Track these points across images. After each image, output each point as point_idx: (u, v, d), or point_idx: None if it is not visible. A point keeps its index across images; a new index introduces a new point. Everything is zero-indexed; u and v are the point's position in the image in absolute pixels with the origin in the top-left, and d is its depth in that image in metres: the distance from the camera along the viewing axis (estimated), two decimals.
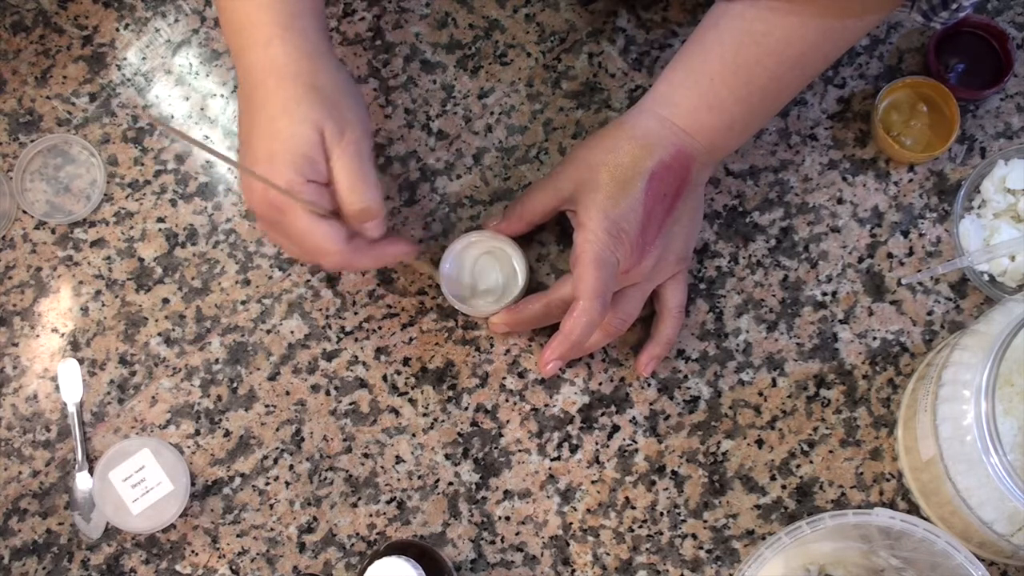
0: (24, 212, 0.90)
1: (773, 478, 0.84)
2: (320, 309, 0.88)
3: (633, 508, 0.84)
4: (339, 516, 0.85)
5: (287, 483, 0.85)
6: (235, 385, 0.87)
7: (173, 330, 0.88)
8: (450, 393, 0.86)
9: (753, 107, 0.79)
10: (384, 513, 0.85)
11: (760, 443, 0.85)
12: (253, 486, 0.85)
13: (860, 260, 0.87)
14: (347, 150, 0.72)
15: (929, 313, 0.86)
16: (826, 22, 0.75)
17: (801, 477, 0.84)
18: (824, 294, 0.87)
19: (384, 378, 0.86)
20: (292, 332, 0.87)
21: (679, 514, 0.84)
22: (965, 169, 0.88)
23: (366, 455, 0.85)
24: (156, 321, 0.88)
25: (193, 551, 0.84)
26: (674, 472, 0.84)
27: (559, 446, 0.85)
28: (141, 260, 0.89)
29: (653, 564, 0.83)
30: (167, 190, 0.90)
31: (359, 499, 0.85)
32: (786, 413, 0.85)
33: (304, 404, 0.86)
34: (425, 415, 0.86)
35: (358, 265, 0.76)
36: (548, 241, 0.88)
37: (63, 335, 0.88)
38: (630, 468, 0.85)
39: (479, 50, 0.92)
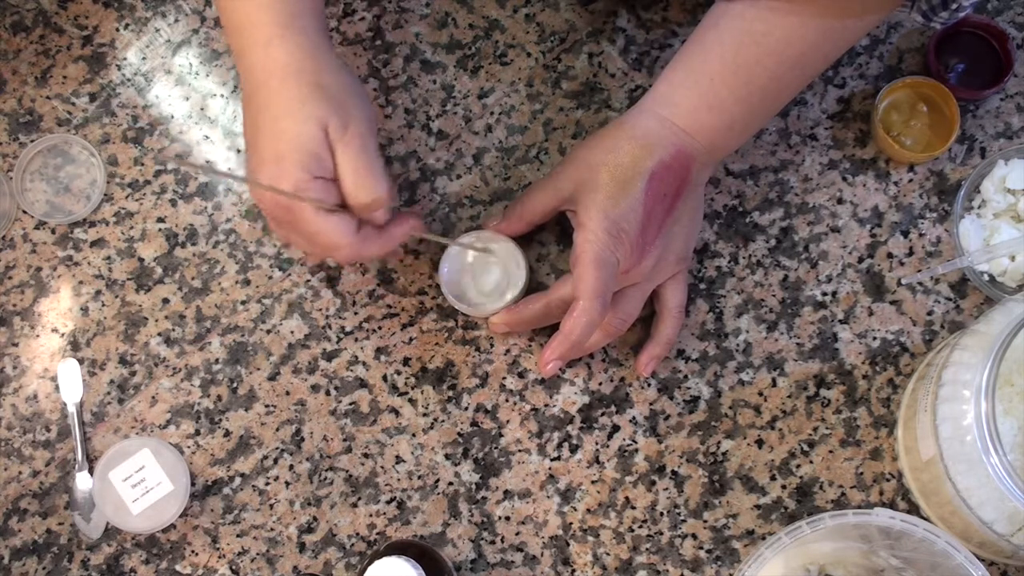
0: (24, 212, 0.90)
1: (773, 478, 0.84)
2: (320, 309, 0.88)
3: (633, 508, 0.84)
4: (339, 516, 0.85)
5: (287, 483, 0.85)
6: (235, 385, 0.87)
7: (173, 330, 0.88)
8: (450, 393, 0.86)
9: (753, 107, 0.79)
10: (384, 513, 0.85)
11: (760, 443, 0.85)
12: (253, 486, 0.85)
13: (860, 260, 0.87)
14: (352, 144, 0.72)
15: (929, 313, 0.86)
16: (826, 22, 0.75)
17: (801, 477, 0.84)
18: (824, 294, 0.87)
19: (384, 378, 0.87)
20: (292, 332, 0.87)
21: (679, 514, 0.84)
22: (965, 169, 0.88)
23: (366, 455, 0.85)
24: (156, 321, 0.88)
25: (193, 551, 0.84)
26: (674, 472, 0.84)
27: (559, 446, 0.85)
28: (141, 260, 0.89)
29: (653, 564, 0.83)
30: (167, 190, 0.90)
31: (359, 499, 0.85)
32: (786, 413, 0.85)
33: (304, 404, 0.86)
34: (425, 415, 0.86)
35: (371, 253, 0.76)
36: (548, 241, 0.88)
37: (63, 335, 0.88)
38: (630, 468, 0.85)
39: (479, 50, 0.92)
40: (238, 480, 0.85)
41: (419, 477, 0.85)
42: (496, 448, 0.85)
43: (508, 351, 0.87)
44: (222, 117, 0.92)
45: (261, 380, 0.87)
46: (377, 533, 0.84)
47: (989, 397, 0.69)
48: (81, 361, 0.87)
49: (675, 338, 0.84)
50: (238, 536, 0.85)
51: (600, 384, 0.86)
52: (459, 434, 0.85)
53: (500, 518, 0.84)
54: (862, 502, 0.83)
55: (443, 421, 0.86)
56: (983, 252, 0.84)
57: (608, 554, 0.83)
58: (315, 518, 0.85)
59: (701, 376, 0.86)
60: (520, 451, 0.85)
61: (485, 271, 0.85)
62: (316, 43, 0.75)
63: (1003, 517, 0.73)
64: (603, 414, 0.85)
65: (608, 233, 0.76)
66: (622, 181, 0.77)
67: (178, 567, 0.84)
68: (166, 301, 0.88)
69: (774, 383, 0.85)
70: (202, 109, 0.92)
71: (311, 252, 0.78)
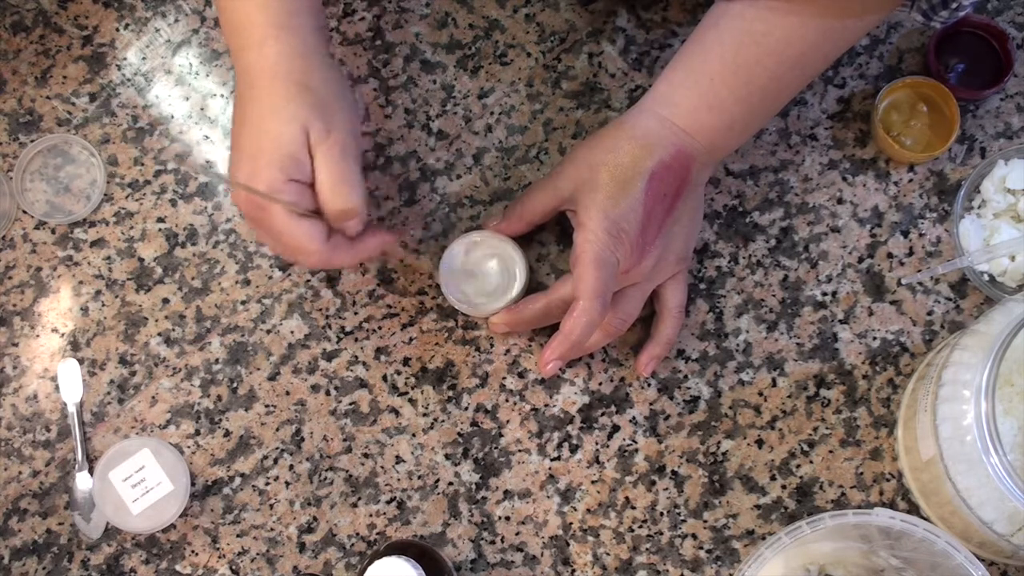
0: (24, 212, 0.90)
1: (773, 478, 0.84)
2: (320, 309, 0.88)
3: (633, 508, 0.84)
4: (339, 516, 0.85)
5: (287, 483, 0.85)
6: (235, 385, 0.87)
7: (173, 330, 0.88)
8: (450, 393, 0.86)
9: (753, 107, 0.79)
10: (384, 513, 0.85)
11: (760, 443, 0.85)
12: (253, 486, 0.85)
13: (860, 260, 0.87)
14: (332, 150, 0.72)
15: (929, 313, 0.86)
16: (826, 22, 0.75)
17: (801, 477, 0.84)
18: (824, 294, 0.87)
19: (384, 378, 0.87)
20: (292, 332, 0.87)
21: (679, 514, 0.84)
22: (965, 169, 0.88)
23: (366, 455, 0.85)
24: (156, 321, 0.88)
25: (193, 551, 0.84)
26: (674, 472, 0.84)
27: (559, 446, 0.85)
28: (141, 260, 0.89)
29: (653, 564, 0.83)
30: (167, 190, 0.90)
31: (359, 499, 0.85)
32: (786, 413, 0.85)
33: (304, 404, 0.86)
34: (425, 415, 0.86)
35: (338, 262, 0.76)
36: (548, 241, 0.88)
37: (63, 335, 0.88)
38: (630, 468, 0.85)
39: (479, 50, 0.92)
40: (238, 480, 0.85)
41: (419, 477, 0.85)
42: (496, 448, 0.85)
43: (508, 351, 0.87)
44: (222, 117, 0.92)
45: (261, 380, 0.87)
46: (377, 533, 0.84)
47: (989, 397, 0.69)
48: (81, 361, 0.87)
49: (675, 338, 0.84)
50: (238, 536, 0.85)
51: (600, 384, 0.86)
52: (459, 434, 0.85)
53: (500, 518, 0.84)
54: (862, 502, 0.83)
55: (443, 421, 0.86)
56: (983, 252, 0.84)
57: (608, 554, 0.83)
58: (315, 518, 0.85)
59: (701, 376, 0.86)
60: (520, 451, 0.85)
61: (485, 271, 0.85)
62: (310, 44, 0.75)
63: (1003, 517, 0.73)
64: (603, 414, 0.85)
65: (608, 233, 0.76)
66: (622, 181, 0.77)
67: (178, 567, 0.84)
68: (166, 301, 0.88)
69: (774, 383, 0.85)
70: (202, 109, 0.92)
71: (281, 253, 0.78)
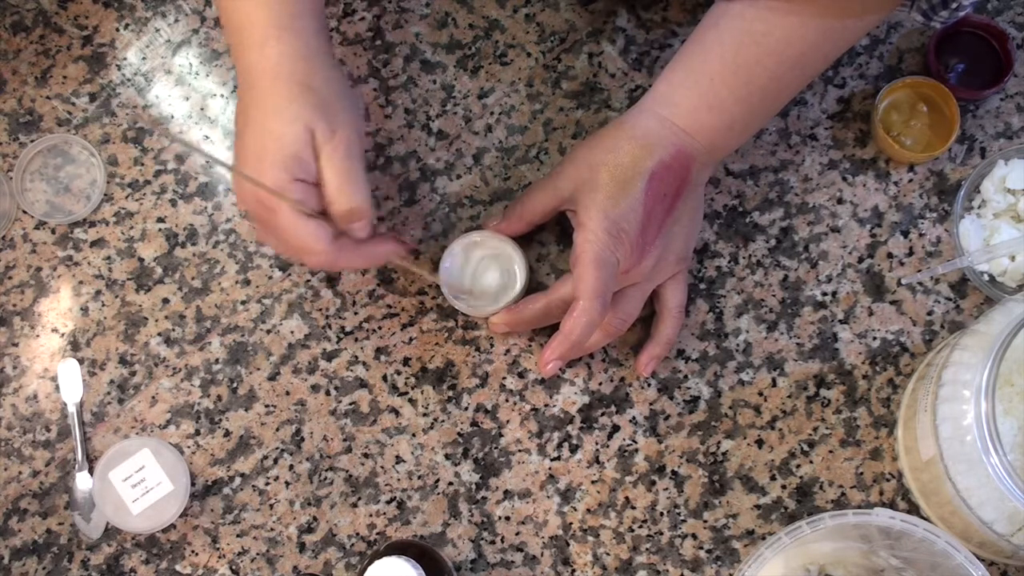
0: (24, 212, 0.90)
1: (773, 478, 0.84)
2: (320, 309, 0.88)
3: (633, 508, 0.84)
4: (339, 516, 0.85)
5: (287, 483, 0.85)
6: (235, 385, 0.87)
7: (173, 330, 0.88)
8: (450, 393, 0.86)
9: (753, 107, 0.79)
10: (384, 513, 0.85)
11: (760, 443, 0.85)
12: (253, 486, 0.85)
13: (860, 260, 0.87)
14: (337, 150, 0.72)
15: (929, 313, 0.86)
16: (826, 22, 0.75)
17: (801, 477, 0.84)
18: (824, 294, 0.87)
19: (384, 378, 0.87)
20: (292, 332, 0.87)
21: (679, 514, 0.84)
22: (965, 169, 0.88)
23: (366, 455, 0.85)
24: (156, 321, 0.88)
25: (193, 551, 0.84)
26: (674, 472, 0.84)
27: (559, 446, 0.85)
28: (141, 260, 0.89)
29: (653, 564, 0.83)
30: (167, 190, 0.90)
31: (359, 499, 0.85)
32: (786, 413, 0.85)
33: (304, 404, 0.86)
34: (425, 415, 0.86)
35: (343, 264, 0.76)
36: (548, 241, 0.88)
37: (63, 335, 0.88)
38: (630, 468, 0.85)
39: (479, 50, 0.92)
40: (238, 480, 0.85)
41: (419, 477, 0.85)
42: (496, 448, 0.85)
43: (508, 351, 0.87)
44: (222, 117, 0.92)
45: (261, 380, 0.87)
46: (377, 533, 0.84)
47: (989, 397, 0.69)
48: (81, 361, 0.87)
49: (675, 338, 0.84)
50: (238, 536, 0.85)
51: (600, 384, 0.86)
52: (459, 434, 0.85)
53: (500, 518, 0.84)
54: (862, 502, 0.83)
55: (443, 421, 0.86)
56: (983, 252, 0.84)
57: (608, 554, 0.83)
58: (315, 518, 0.85)
59: (701, 376, 0.86)
60: (520, 451, 0.85)
61: (485, 271, 0.85)
62: (312, 45, 0.75)
63: (1003, 517, 0.73)
64: (603, 414, 0.85)
65: (608, 233, 0.76)
66: (622, 181, 0.77)
67: (178, 567, 0.84)
68: (166, 301, 0.88)
69: (774, 383, 0.85)
70: (202, 109, 0.92)
71: (286, 254, 0.78)
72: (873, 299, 0.86)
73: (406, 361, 0.87)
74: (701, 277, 0.87)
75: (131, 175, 0.91)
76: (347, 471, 0.85)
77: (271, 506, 0.85)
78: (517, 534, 0.84)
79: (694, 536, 0.83)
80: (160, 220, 0.90)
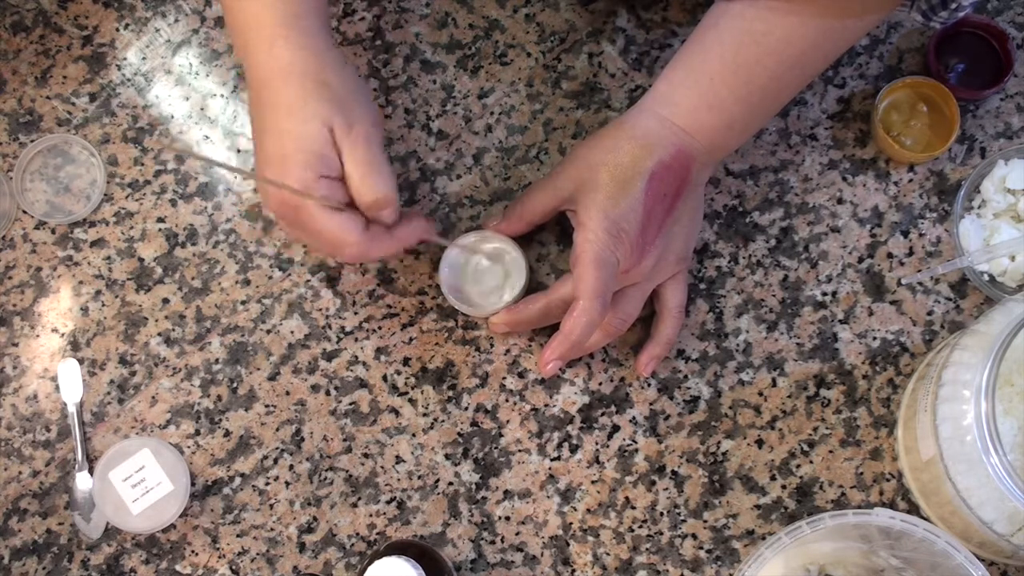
0: (24, 212, 0.90)
1: (773, 478, 0.84)
2: (320, 309, 0.88)
3: (633, 508, 0.84)
4: (339, 516, 0.85)
5: (287, 483, 0.85)
6: (235, 385, 0.87)
7: (173, 330, 0.88)
8: (450, 393, 0.86)
9: (753, 107, 0.79)
10: (384, 513, 0.85)
11: (760, 443, 0.85)
12: (253, 486, 0.85)
13: (860, 260, 0.87)
14: (357, 143, 0.73)
15: (929, 313, 0.86)
16: (826, 22, 0.75)
17: (801, 477, 0.84)
18: (824, 294, 0.87)
19: (384, 378, 0.87)
20: (292, 332, 0.87)
21: (679, 514, 0.84)
22: (965, 169, 0.88)
23: (366, 455, 0.85)
24: (156, 321, 0.88)
25: (193, 551, 0.84)
26: (674, 472, 0.84)
27: (559, 446, 0.85)
28: (141, 260, 0.89)
29: (653, 564, 0.83)
30: (167, 190, 0.90)
31: (359, 499, 0.85)
32: (786, 413, 0.85)
33: (304, 404, 0.86)
34: (425, 415, 0.86)
35: (379, 252, 0.76)
36: (548, 241, 0.88)
37: (63, 335, 0.88)
38: (630, 468, 0.85)
39: (479, 50, 0.92)
40: (238, 480, 0.85)
41: (419, 477, 0.85)
42: (496, 448, 0.85)
43: (508, 351, 0.87)
44: (222, 117, 0.92)
45: (261, 380, 0.87)
46: (377, 533, 0.84)
47: (989, 397, 0.69)
48: (81, 361, 0.87)
49: (675, 338, 0.84)
50: (238, 536, 0.85)
51: (600, 384, 0.86)
52: (459, 434, 0.85)
53: (500, 518, 0.84)
54: (862, 502, 0.83)
55: (443, 421, 0.86)
56: (983, 252, 0.84)
57: (608, 554, 0.83)
58: (315, 518, 0.85)
59: (701, 376, 0.86)
60: (520, 451, 0.85)
61: (485, 271, 0.85)
62: (320, 43, 0.75)
63: (1003, 517, 0.73)
64: (603, 414, 0.85)
65: (608, 233, 0.76)
66: (622, 181, 0.77)
67: (178, 567, 0.84)
68: (166, 301, 0.88)
69: (774, 383, 0.85)
70: (202, 109, 0.92)
71: (320, 250, 0.78)
72: (873, 299, 0.86)
73: (406, 361, 0.87)
74: (701, 277, 0.87)
75: (131, 175, 0.91)
76: (347, 471, 0.85)
77: (271, 506, 0.85)
78: (517, 534, 0.84)
79: (694, 536, 0.83)
80: (160, 220, 0.90)
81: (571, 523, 0.84)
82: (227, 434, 0.86)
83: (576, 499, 0.84)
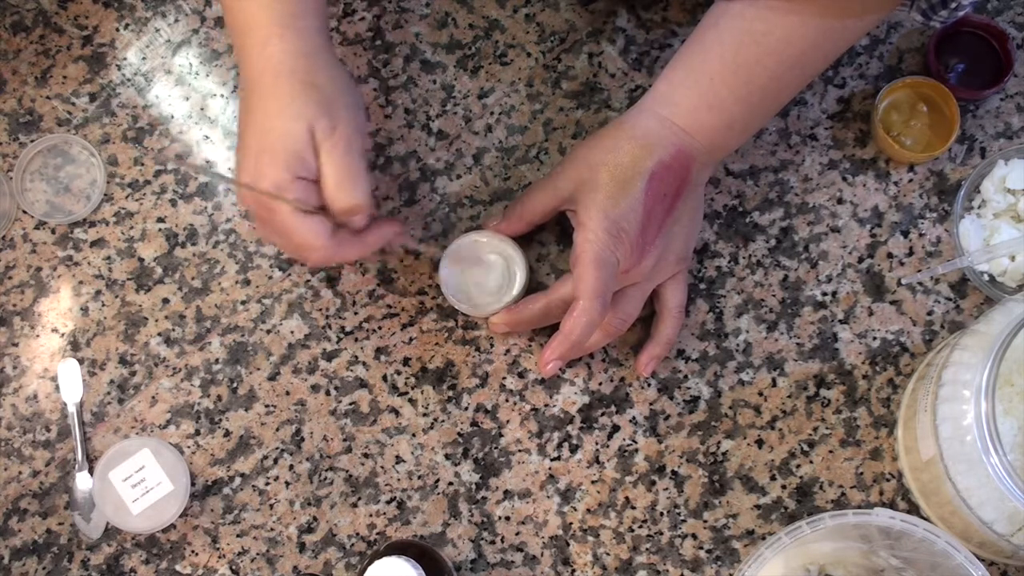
0: (24, 212, 0.90)
1: (773, 478, 0.84)
2: (320, 309, 0.88)
3: (633, 508, 0.84)
4: (339, 516, 0.85)
5: (287, 483, 0.85)
6: (235, 385, 0.87)
7: (173, 330, 0.88)
8: (450, 393, 0.86)
9: (753, 107, 0.79)
10: (384, 513, 0.85)
11: (760, 443, 0.85)
12: (253, 486, 0.85)
13: (860, 260, 0.87)
14: (337, 147, 0.72)
15: (929, 313, 0.86)
16: (826, 22, 0.75)
17: (801, 477, 0.84)
18: (824, 294, 0.87)
19: (384, 378, 0.86)
20: (292, 332, 0.87)
21: (679, 514, 0.84)
22: (965, 169, 0.88)
23: (366, 455, 0.85)
24: (156, 321, 0.88)
25: (193, 551, 0.84)
26: (674, 472, 0.84)
27: (559, 446, 0.85)
28: (141, 260, 0.89)
29: (653, 564, 0.83)
30: (167, 190, 0.90)
31: (359, 499, 0.85)
32: (786, 413, 0.85)
33: (304, 404, 0.86)
34: (425, 415, 0.86)
35: (344, 257, 0.76)
36: (548, 241, 0.88)
37: (63, 335, 0.88)
38: (630, 468, 0.85)
39: (479, 50, 0.92)
40: (238, 480, 0.85)
41: (419, 477, 0.85)
42: (496, 448, 0.85)
43: (508, 351, 0.87)
44: (222, 117, 0.92)
45: (261, 380, 0.87)
46: (377, 533, 0.84)
47: (989, 397, 0.69)
48: (81, 361, 0.87)
49: (675, 338, 0.84)
50: (238, 536, 0.85)
51: (600, 384, 0.86)
52: (459, 434, 0.85)
53: (500, 518, 0.84)
54: (862, 502, 0.83)
55: (443, 421, 0.86)
56: (983, 252, 0.84)
57: (608, 554, 0.83)
58: (315, 518, 0.85)
59: (701, 376, 0.86)
60: (520, 451, 0.85)
61: (485, 271, 0.85)
62: (314, 43, 0.75)
63: (1003, 517, 0.73)
64: (603, 414, 0.85)
65: (608, 233, 0.76)
66: (622, 181, 0.77)
67: (178, 567, 0.84)
68: (166, 301, 0.88)
69: (774, 383, 0.85)
70: (202, 109, 0.92)
71: (287, 251, 0.78)
72: (873, 299, 0.86)
73: (406, 361, 0.87)
74: (701, 277, 0.87)
75: (131, 175, 0.91)
76: (347, 471, 0.85)
77: (271, 506, 0.85)
78: (517, 534, 0.84)
79: (694, 536, 0.83)
80: (160, 220, 0.90)
81: (571, 523, 0.84)
82: (227, 434, 0.86)
83: (576, 499, 0.84)
